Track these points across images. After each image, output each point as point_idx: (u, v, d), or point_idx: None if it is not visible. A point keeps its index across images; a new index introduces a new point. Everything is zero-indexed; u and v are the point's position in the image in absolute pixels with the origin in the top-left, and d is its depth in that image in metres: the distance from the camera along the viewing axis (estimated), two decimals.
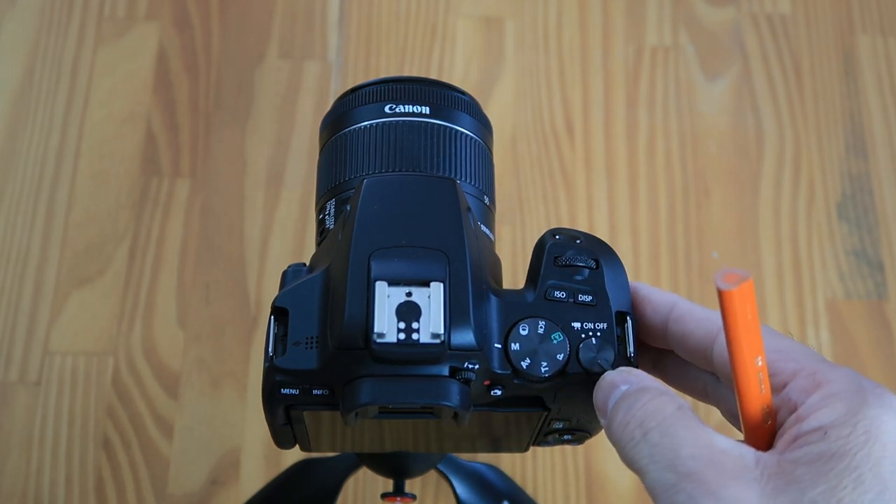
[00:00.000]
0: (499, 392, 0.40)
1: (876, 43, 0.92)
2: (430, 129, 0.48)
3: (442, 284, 0.39)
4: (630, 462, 0.36)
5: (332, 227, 0.47)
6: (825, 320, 0.82)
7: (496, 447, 0.49)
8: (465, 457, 0.68)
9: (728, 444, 0.35)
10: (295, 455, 0.70)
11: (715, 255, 0.84)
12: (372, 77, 0.66)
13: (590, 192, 0.85)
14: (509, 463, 0.76)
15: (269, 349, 0.40)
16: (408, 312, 0.38)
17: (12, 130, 0.86)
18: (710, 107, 0.89)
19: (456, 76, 0.89)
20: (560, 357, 0.40)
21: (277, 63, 0.89)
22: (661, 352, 0.42)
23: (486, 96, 0.88)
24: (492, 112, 0.86)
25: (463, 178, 0.47)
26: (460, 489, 0.65)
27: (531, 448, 0.48)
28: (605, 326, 0.40)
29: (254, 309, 0.80)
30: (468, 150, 0.49)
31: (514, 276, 0.81)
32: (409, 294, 0.39)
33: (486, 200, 0.49)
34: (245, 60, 0.89)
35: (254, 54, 0.90)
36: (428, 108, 0.49)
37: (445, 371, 0.39)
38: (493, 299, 0.40)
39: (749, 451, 0.35)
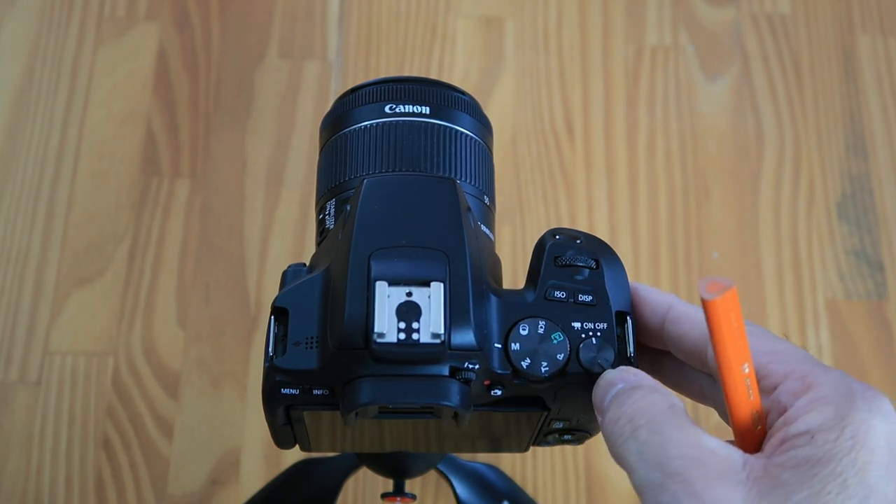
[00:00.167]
0: (499, 392, 0.40)
1: (876, 43, 0.92)
2: (430, 129, 0.48)
3: (442, 284, 0.39)
4: (619, 458, 0.36)
5: (332, 227, 0.47)
6: (825, 320, 0.82)
7: (496, 447, 0.48)
8: (465, 457, 0.68)
9: (717, 445, 0.35)
10: (295, 455, 0.70)
11: (715, 255, 0.84)
12: (372, 77, 0.66)
13: (590, 192, 0.85)
14: (509, 463, 0.76)
15: (269, 349, 0.40)
16: (408, 312, 0.38)
17: (12, 130, 0.86)
18: (710, 107, 0.89)
19: (456, 76, 0.89)
20: (560, 357, 0.40)
21: (277, 63, 0.89)
22: (658, 353, 0.42)
23: (486, 96, 0.88)
24: (492, 112, 0.86)
25: (463, 178, 0.47)
26: (460, 489, 0.65)
27: (531, 448, 0.48)
28: (605, 326, 0.40)
29: (254, 309, 0.80)
30: (468, 150, 0.49)
31: (514, 276, 0.81)
32: (409, 294, 0.39)
33: (486, 200, 0.49)
34: (245, 60, 0.89)
35: (254, 54, 0.90)
36: (428, 108, 0.49)
37: (445, 371, 0.39)
38: (494, 299, 0.40)
39: (737, 453, 0.35)
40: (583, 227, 0.84)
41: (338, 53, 0.90)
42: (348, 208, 0.42)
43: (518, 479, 0.75)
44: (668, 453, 0.34)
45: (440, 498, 0.75)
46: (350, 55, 0.90)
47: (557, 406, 0.41)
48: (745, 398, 0.35)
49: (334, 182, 0.48)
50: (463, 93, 0.51)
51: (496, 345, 0.40)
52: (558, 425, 0.43)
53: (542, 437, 0.45)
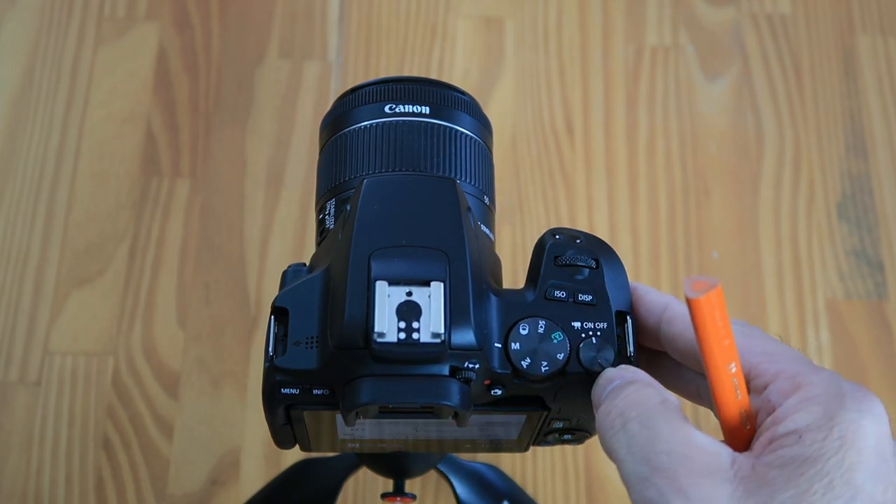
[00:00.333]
0: (499, 392, 0.40)
1: (876, 43, 0.92)
2: (430, 129, 0.48)
3: (442, 284, 0.39)
4: (609, 451, 0.36)
5: (332, 227, 0.47)
6: (825, 320, 0.82)
7: (496, 447, 0.48)
8: (465, 457, 0.68)
9: (706, 442, 0.35)
10: (295, 455, 0.70)
11: (715, 255, 0.84)
12: (372, 77, 0.66)
13: (590, 192, 0.85)
14: (509, 463, 0.76)
15: (270, 349, 0.40)
16: (408, 312, 0.38)
17: (12, 130, 0.86)
18: (710, 107, 0.89)
19: (456, 76, 0.89)
20: (560, 357, 0.40)
21: (277, 63, 0.89)
22: (656, 353, 0.42)
23: (486, 96, 0.88)
24: (492, 112, 0.86)
25: (463, 178, 0.47)
26: (460, 489, 0.65)
27: (531, 448, 0.48)
28: (605, 326, 0.40)
29: (254, 309, 0.80)
30: (468, 150, 0.49)
31: (514, 276, 0.81)
32: (409, 294, 0.39)
33: (486, 200, 0.49)
34: (245, 60, 0.89)
35: (254, 54, 0.90)
36: (428, 108, 0.49)
37: (446, 371, 0.39)
38: (494, 299, 0.40)
39: (726, 451, 0.35)
40: (583, 227, 0.84)
41: (338, 53, 0.90)
42: (348, 208, 0.42)
43: (518, 479, 0.75)
44: (656, 448, 0.34)
45: (440, 498, 0.75)
46: (350, 55, 0.90)
47: (557, 406, 0.41)
48: (733, 397, 0.35)
49: (334, 182, 0.48)
50: (463, 93, 0.51)
51: (496, 344, 0.40)
52: (558, 425, 0.43)
53: (542, 437, 0.45)
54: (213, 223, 0.83)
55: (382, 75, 0.71)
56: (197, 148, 0.86)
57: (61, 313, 0.80)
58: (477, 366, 0.39)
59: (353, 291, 0.39)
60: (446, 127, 0.49)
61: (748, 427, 0.36)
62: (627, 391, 0.37)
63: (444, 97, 0.50)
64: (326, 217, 0.48)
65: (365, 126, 0.48)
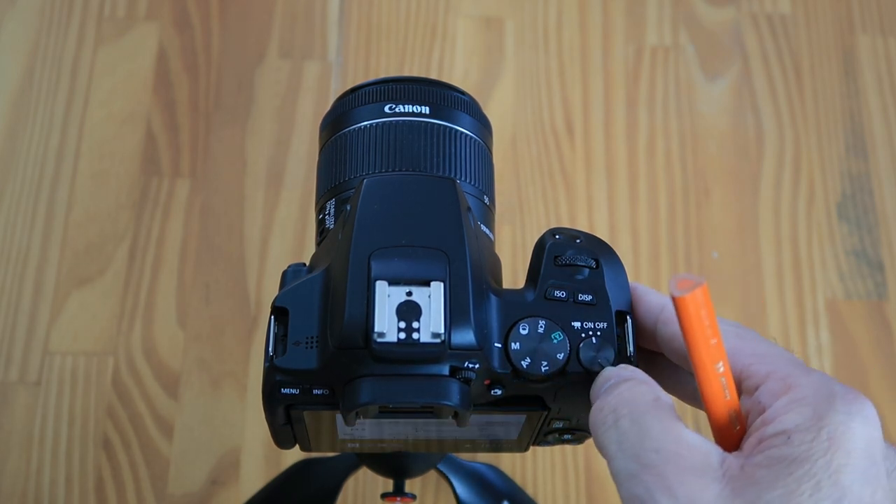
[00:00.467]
0: (499, 391, 0.40)
1: (876, 43, 0.92)
2: (429, 128, 0.48)
3: (442, 284, 0.39)
4: (600, 447, 0.36)
5: (332, 226, 0.47)
6: (825, 320, 0.82)
7: (496, 447, 0.48)
8: (465, 457, 0.68)
9: (697, 441, 0.35)
10: (295, 455, 0.70)
11: (715, 255, 0.84)
12: (372, 77, 0.66)
13: (590, 192, 0.85)
14: (509, 463, 0.76)
15: (270, 349, 0.40)
16: (408, 312, 0.38)
17: (12, 130, 0.86)
18: (710, 107, 0.89)
19: (456, 76, 0.89)
20: (560, 356, 0.40)
21: (277, 63, 0.89)
22: (653, 354, 0.42)
23: (486, 96, 0.88)
24: (492, 112, 0.86)
25: (463, 178, 0.47)
26: (460, 489, 0.65)
27: (531, 448, 0.48)
28: (605, 326, 0.40)
29: (254, 309, 0.80)
30: (468, 150, 0.49)
31: (514, 276, 0.81)
32: (409, 293, 0.39)
33: (486, 200, 0.49)
34: (245, 60, 0.89)
35: (254, 54, 0.90)
36: (428, 108, 0.49)
37: (446, 370, 0.39)
38: (494, 299, 0.40)
39: (716, 450, 0.35)
40: (583, 227, 0.84)
41: (338, 53, 0.90)
42: (348, 208, 0.42)
43: (518, 479, 0.75)
44: (646, 445, 0.34)
45: (440, 498, 0.75)
46: (350, 55, 0.90)
47: (557, 406, 0.41)
48: (722, 397, 0.35)
49: (334, 182, 0.48)
50: (463, 93, 0.51)
51: (496, 344, 0.40)
52: (558, 425, 0.43)
53: (542, 437, 0.45)
54: (213, 223, 0.83)
55: (382, 75, 0.71)
56: (197, 148, 0.86)
57: (61, 313, 0.80)
58: (477, 366, 0.39)
59: (353, 291, 0.39)
60: (446, 127, 0.49)
61: (738, 428, 0.36)
62: (621, 388, 0.37)
63: (444, 97, 0.50)
64: (326, 217, 0.48)
65: (365, 126, 0.48)
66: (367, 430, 0.45)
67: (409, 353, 0.38)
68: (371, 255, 0.39)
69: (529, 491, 0.75)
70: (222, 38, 0.90)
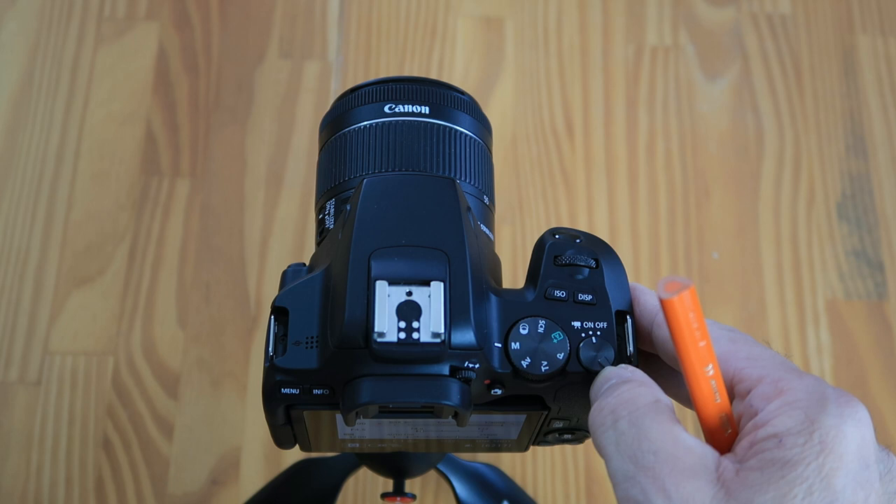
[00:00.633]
0: (499, 391, 0.40)
1: (876, 43, 0.92)
2: (429, 128, 0.48)
3: (442, 284, 0.39)
4: (599, 447, 0.36)
5: (331, 226, 0.47)
6: (825, 320, 0.82)
7: (496, 447, 0.48)
8: (465, 457, 0.68)
9: (694, 444, 0.35)
10: (295, 455, 0.70)
11: (715, 255, 0.84)
12: (372, 77, 0.66)
13: (590, 192, 0.85)
14: (509, 463, 0.76)
15: (270, 349, 0.40)
16: (408, 312, 0.38)
17: (12, 130, 0.86)
18: (710, 107, 0.89)
19: (456, 76, 0.89)
20: (560, 356, 0.40)
21: (277, 63, 0.89)
22: (650, 356, 0.42)
23: (486, 96, 0.88)
24: (492, 112, 0.86)
25: (463, 178, 0.47)
26: (460, 489, 0.65)
27: (531, 448, 0.47)
28: (605, 325, 0.40)
29: (254, 309, 0.80)
30: (468, 150, 0.49)
31: (514, 276, 0.81)
32: (409, 293, 0.39)
33: (486, 200, 0.49)
34: (245, 60, 0.89)
35: (254, 54, 0.90)
36: (427, 108, 0.49)
37: (446, 370, 0.39)
38: (494, 298, 0.40)
39: (713, 453, 0.35)
40: (583, 227, 0.84)
41: (338, 53, 0.90)
42: (348, 208, 0.42)
43: (518, 479, 0.75)
44: (643, 447, 0.34)
45: (440, 498, 0.75)
46: (350, 55, 0.90)
47: (557, 405, 0.41)
48: (712, 400, 0.35)
49: (334, 182, 0.48)
50: (462, 93, 0.51)
51: (496, 344, 0.40)
52: (558, 425, 0.43)
53: (542, 437, 0.45)
54: (213, 223, 0.83)
55: (382, 75, 0.71)
56: (197, 148, 0.86)
57: (61, 313, 0.80)
58: (477, 365, 0.39)
59: (353, 291, 0.39)
60: (446, 127, 0.49)
61: (729, 431, 0.36)
62: (621, 389, 0.37)
63: (444, 97, 0.50)
64: (326, 217, 0.48)
65: (365, 126, 0.48)
66: (367, 430, 0.45)
67: (410, 352, 0.38)
68: (371, 255, 0.39)
69: (529, 491, 0.75)
70: (222, 38, 0.90)
